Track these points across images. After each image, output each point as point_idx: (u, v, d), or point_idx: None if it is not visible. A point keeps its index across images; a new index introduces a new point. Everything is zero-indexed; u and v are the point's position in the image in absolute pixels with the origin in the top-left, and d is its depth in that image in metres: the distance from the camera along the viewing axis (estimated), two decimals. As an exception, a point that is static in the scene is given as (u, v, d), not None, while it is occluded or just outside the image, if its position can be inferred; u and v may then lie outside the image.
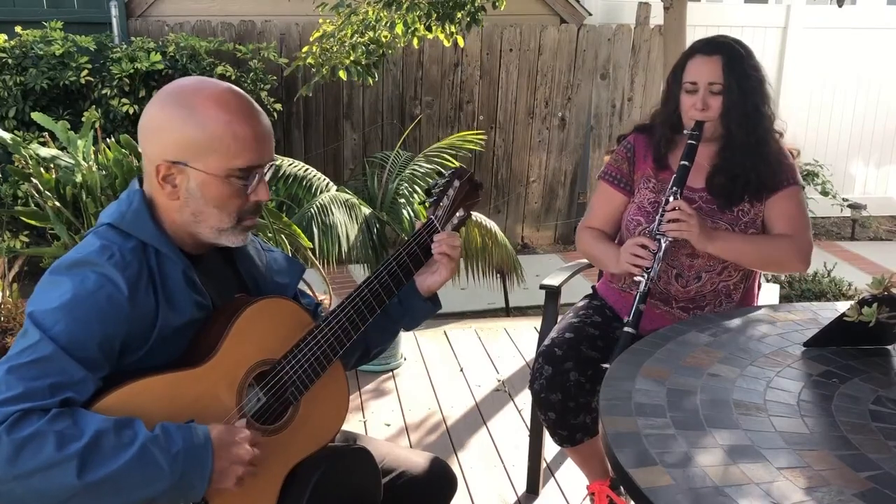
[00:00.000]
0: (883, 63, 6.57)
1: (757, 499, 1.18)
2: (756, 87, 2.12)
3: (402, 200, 3.68)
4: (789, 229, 2.13)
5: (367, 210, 3.49)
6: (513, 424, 3.10)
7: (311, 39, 3.85)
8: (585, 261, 2.56)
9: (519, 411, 3.20)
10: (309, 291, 2.83)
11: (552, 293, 2.51)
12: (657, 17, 5.46)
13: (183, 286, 1.34)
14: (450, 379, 3.51)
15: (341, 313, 1.47)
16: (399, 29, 3.57)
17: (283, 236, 3.08)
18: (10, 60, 4.42)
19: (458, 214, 1.65)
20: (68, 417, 1.16)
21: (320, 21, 3.82)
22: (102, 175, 2.93)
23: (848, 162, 6.76)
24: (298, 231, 3.11)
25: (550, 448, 2.66)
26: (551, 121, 5.87)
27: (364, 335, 1.52)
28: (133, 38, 4.92)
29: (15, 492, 1.13)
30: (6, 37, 4.48)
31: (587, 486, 2.37)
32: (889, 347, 1.72)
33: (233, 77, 4.65)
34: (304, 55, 3.82)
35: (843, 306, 1.73)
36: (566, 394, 2.07)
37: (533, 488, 2.64)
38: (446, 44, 3.80)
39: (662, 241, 2.04)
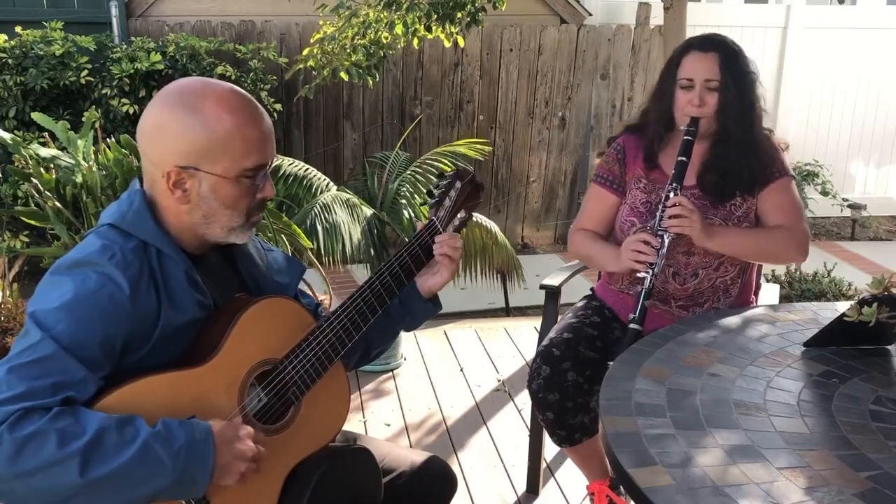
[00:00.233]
0: (883, 63, 6.57)
1: (757, 499, 1.18)
2: (751, 85, 2.15)
3: (403, 201, 3.68)
4: (784, 220, 2.15)
5: (368, 210, 3.49)
6: (513, 424, 3.10)
7: (311, 41, 3.85)
8: (586, 261, 2.56)
9: (519, 411, 3.20)
10: (309, 291, 2.83)
11: (552, 293, 2.51)
12: (657, 17, 5.46)
13: (185, 286, 1.34)
14: (450, 379, 3.51)
15: (343, 313, 1.47)
16: (399, 29, 3.57)
17: (283, 236, 3.08)
18: (10, 60, 4.42)
19: (459, 216, 1.66)
20: (70, 416, 1.16)
21: (321, 22, 3.82)
22: (102, 175, 2.93)
23: (848, 162, 6.76)
24: (298, 231, 3.11)
25: (550, 448, 2.66)
26: (551, 121, 5.87)
27: (365, 335, 1.52)
28: (133, 38, 4.92)
29: (17, 490, 1.13)
30: (6, 37, 4.48)
31: (587, 486, 2.37)
32: (889, 347, 1.72)
33: (233, 77, 4.65)
34: (304, 57, 3.82)
35: (843, 306, 1.73)
36: (564, 394, 2.07)
37: (533, 488, 2.64)
38: (447, 44, 3.80)
39: (665, 236, 2.04)
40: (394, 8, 3.49)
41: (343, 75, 3.71)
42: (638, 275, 2.07)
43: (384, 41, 3.68)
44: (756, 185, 2.15)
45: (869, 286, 1.63)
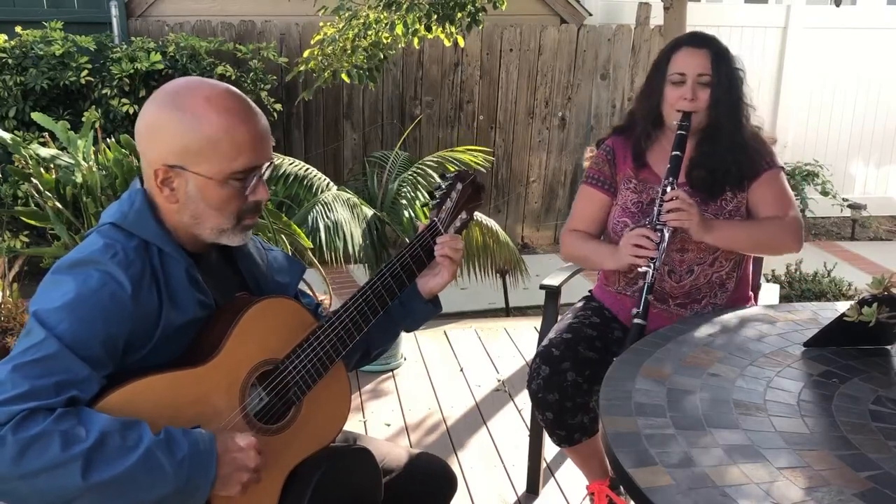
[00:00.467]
0: (883, 63, 6.57)
1: (757, 499, 1.18)
2: (740, 82, 2.18)
3: (403, 201, 3.68)
4: (776, 211, 2.16)
5: (368, 211, 3.49)
6: (513, 424, 3.11)
7: (311, 42, 3.85)
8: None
9: (519, 411, 3.20)
10: (309, 292, 2.83)
11: (552, 293, 2.51)
12: (657, 17, 5.46)
13: (186, 285, 1.34)
14: (450, 379, 3.51)
15: (344, 314, 1.47)
16: (399, 30, 3.57)
17: (282, 236, 3.08)
18: (10, 60, 4.42)
19: (461, 217, 1.66)
20: (74, 417, 1.15)
21: (321, 24, 3.82)
22: (102, 175, 2.93)
23: (848, 162, 6.76)
24: (298, 231, 3.11)
25: (550, 448, 2.66)
26: (551, 121, 5.87)
27: (365, 336, 1.52)
28: (133, 38, 4.92)
29: (19, 491, 1.13)
30: (6, 37, 4.48)
31: (587, 486, 2.37)
32: (889, 347, 1.72)
33: (233, 77, 4.65)
34: (305, 59, 3.81)
35: (843, 306, 1.73)
36: (563, 394, 2.07)
37: (533, 488, 2.64)
38: (447, 44, 3.80)
39: (665, 231, 2.04)
40: (394, 8, 3.49)
41: (344, 77, 3.71)
42: (639, 269, 2.06)
43: (384, 42, 3.68)
44: (745, 179, 2.17)
45: (869, 286, 1.63)
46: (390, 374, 3.54)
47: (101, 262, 1.26)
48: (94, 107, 4.40)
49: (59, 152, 3.02)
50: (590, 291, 2.44)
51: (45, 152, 2.99)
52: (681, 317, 2.18)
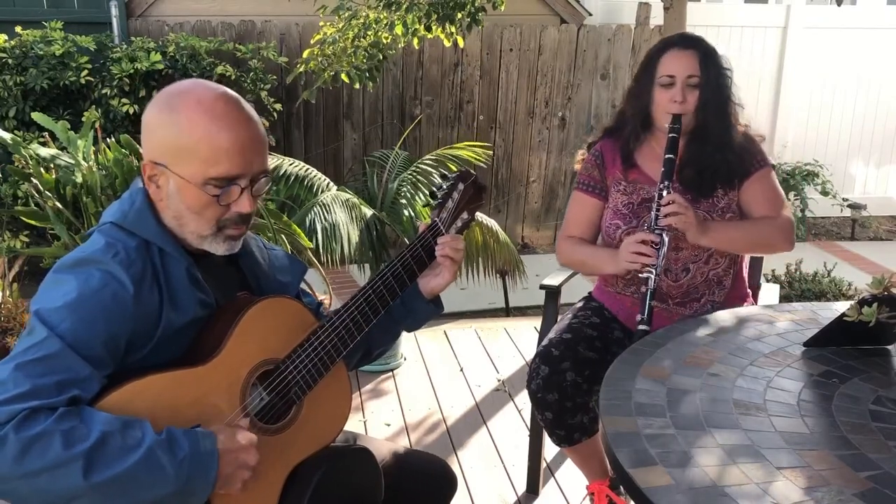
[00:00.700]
0: (883, 63, 6.58)
1: (757, 499, 1.18)
2: (729, 82, 2.19)
3: (403, 201, 3.68)
4: (768, 210, 2.18)
5: (368, 211, 3.49)
6: (513, 424, 3.11)
7: (311, 42, 3.85)
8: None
9: (519, 411, 3.20)
10: (309, 292, 2.83)
11: (552, 293, 2.51)
12: (657, 17, 5.46)
13: (186, 284, 1.34)
14: (450, 379, 3.51)
15: (345, 314, 1.47)
16: (399, 30, 3.57)
17: (282, 236, 3.08)
18: (10, 60, 4.42)
19: (462, 217, 1.66)
20: (75, 417, 1.15)
21: (321, 24, 3.82)
22: (102, 175, 2.93)
23: (848, 162, 6.76)
24: (298, 231, 3.11)
25: (550, 448, 2.66)
26: (551, 121, 5.87)
27: (366, 336, 1.52)
28: (133, 38, 4.92)
29: (20, 490, 1.13)
30: (6, 37, 4.48)
31: (587, 486, 2.37)
32: (889, 347, 1.72)
33: (233, 77, 4.65)
34: (305, 59, 3.81)
35: (843, 306, 1.73)
36: (563, 394, 2.08)
37: (533, 488, 2.64)
38: (447, 44, 3.80)
39: (664, 235, 2.05)
40: (394, 8, 3.48)
41: (344, 77, 3.71)
42: (640, 275, 2.07)
43: (384, 42, 3.68)
44: (735, 176, 2.18)
45: (869, 286, 1.63)
46: (390, 374, 3.54)
47: (103, 262, 1.27)
48: (94, 107, 4.40)
49: (59, 152, 3.02)
50: (589, 293, 2.44)
51: (45, 152, 2.99)
52: (681, 315, 2.18)
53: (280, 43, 5.29)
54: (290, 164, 3.67)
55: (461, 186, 1.65)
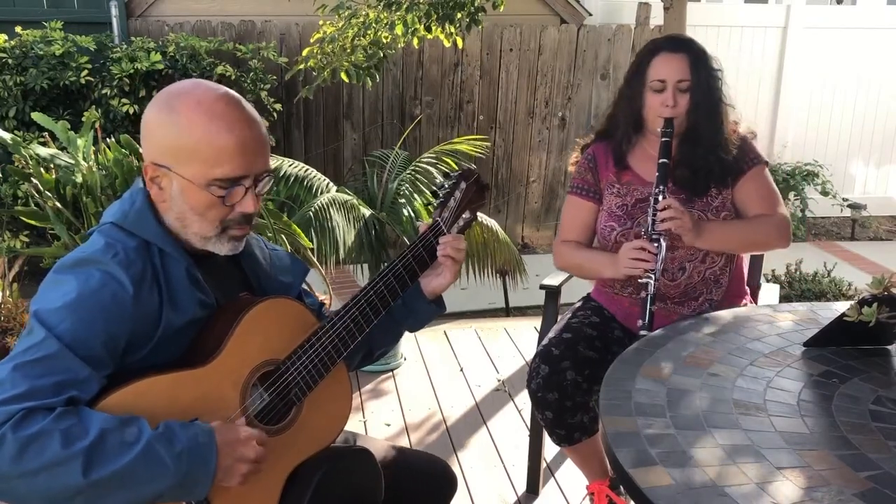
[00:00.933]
0: (883, 63, 6.58)
1: (757, 499, 1.18)
2: (719, 83, 2.20)
3: (403, 201, 3.68)
4: (764, 208, 2.19)
5: (367, 211, 3.49)
6: (513, 424, 3.11)
7: (311, 41, 3.86)
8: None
9: (519, 411, 3.20)
10: (311, 292, 2.83)
11: (552, 293, 2.51)
12: (657, 17, 5.46)
13: (186, 284, 1.34)
14: (450, 379, 3.51)
15: (346, 315, 1.47)
16: (399, 30, 3.57)
17: (283, 236, 3.08)
18: (10, 60, 4.42)
19: (464, 216, 1.64)
20: (73, 416, 1.16)
21: (321, 23, 3.83)
22: (102, 175, 2.93)
23: (848, 162, 6.77)
24: (299, 231, 3.11)
25: (550, 448, 2.66)
26: (551, 121, 5.87)
27: (368, 336, 1.52)
28: (133, 38, 4.92)
29: (19, 490, 1.13)
30: (6, 37, 4.48)
31: (587, 486, 2.37)
32: (889, 347, 1.72)
33: (233, 77, 4.65)
34: (304, 58, 3.82)
35: (843, 306, 1.73)
36: (563, 393, 2.08)
37: (533, 488, 2.64)
38: (446, 44, 3.80)
39: (662, 240, 2.05)
40: (394, 8, 3.48)
41: (343, 76, 3.71)
42: (640, 281, 2.08)
43: (384, 41, 3.68)
44: (729, 176, 2.19)
45: (869, 286, 1.63)
46: (390, 374, 3.54)
47: (103, 262, 1.26)
48: (94, 107, 4.40)
49: (59, 152, 3.02)
50: (588, 294, 2.45)
51: (45, 152, 2.99)
52: (679, 315, 2.19)
53: (280, 43, 5.29)
54: (290, 165, 3.67)
55: (463, 185, 1.64)
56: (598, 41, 5.79)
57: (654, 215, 2.07)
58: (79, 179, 2.90)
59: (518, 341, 3.89)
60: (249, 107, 1.37)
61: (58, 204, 2.85)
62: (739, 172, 2.19)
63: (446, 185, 1.64)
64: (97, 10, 5.17)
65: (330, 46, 3.69)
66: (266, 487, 1.38)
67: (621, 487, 2.24)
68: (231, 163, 1.31)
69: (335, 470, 1.44)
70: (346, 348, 1.47)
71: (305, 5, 4.17)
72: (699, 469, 1.26)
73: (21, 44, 4.49)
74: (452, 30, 3.64)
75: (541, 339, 2.33)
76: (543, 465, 2.66)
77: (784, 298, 3.78)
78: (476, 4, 3.56)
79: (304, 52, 3.84)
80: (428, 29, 3.57)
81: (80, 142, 3.03)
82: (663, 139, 2.11)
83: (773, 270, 4.14)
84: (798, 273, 4.10)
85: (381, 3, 3.51)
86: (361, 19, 3.62)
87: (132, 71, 4.44)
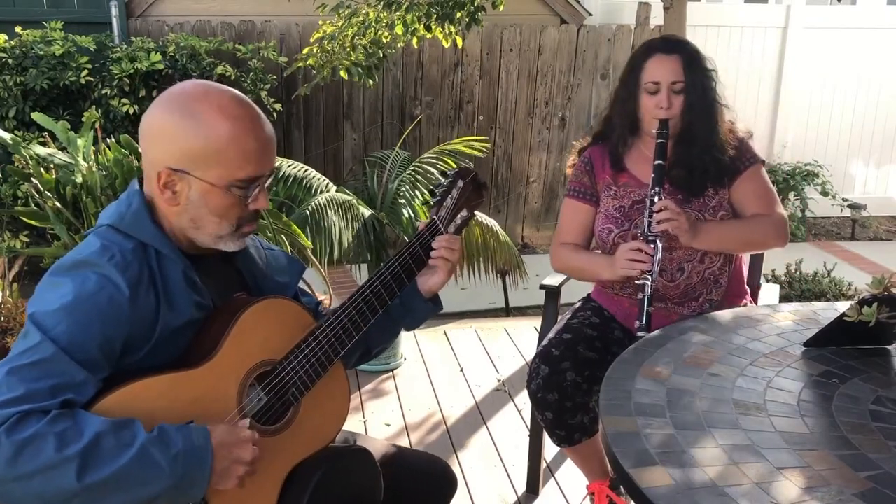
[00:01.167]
0: (883, 63, 6.58)
1: (757, 499, 1.18)
2: (714, 83, 2.20)
3: (403, 201, 3.68)
4: (761, 208, 2.19)
5: (366, 211, 3.49)
6: (513, 424, 3.10)
7: (311, 40, 3.86)
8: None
9: (519, 411, 3.20)
10: (308, 291, 2.82)
11: (552, 293, 2.51)
12: (657, 17, 5.46)
13: (183, 286, 1.34)
14: (450, 379, 3.51)
15: (343, 314, 1.47)
16: (399, 29, 3.57)
17: (282, 236, 3.08)
18: (10, 60, 4.42)
19: (461, 215, 1.65)
20: (68, 419, 1.15)
21: (320, 22, 3.83)
22: (102, 175, 2.93)
23: (848, 162, 6.76)
24: (298, 231, 3.11)
25: (550, 448, 2.66)
26: (551, 121, 5.87)
27: (365, 335, 1.52)
28: (133, 38, 4.92)
29: (14, 493, 1.13)
30: (6, 37, 4.48)
31: (587, 486, 2.37)
32: (889, 347, 1.72)
33: (233, 77, 4.65)
34: (304, 56, 3.82)
35: (843, 306, 1.73)
36: (563, 394, 2.08)
37: (533, 488, 2.64)
38: (445, 44, 3.80)
39: (658, 241, 2.06)
40: (393, 8, 3.48)
41: (343, 74, 3.71)
42: (637, 282, 2.08)
43: (384, 41, 3.68)
44: (725, 176, 2.19)
45: (869, 286, 1.63)
46: (390, 374, 3.54)
47: (99, 265, 1.26)
48: (94, 107, 4.40)
49: (59, 152, 3.02)
50: (588, 294, 2.45)
51: (45, 152, 2.99)
52: (680, 315, 2.19)
53: (280, 43, 5.29)
54: (289, 166, 3.67)
55: (460, 184, 1.64)
56: (598, 41, 5.79)
57: (651, 216, 2.07)
58: (79, 179, 2.90)
59: (518, 341, 3.89)
60: (256, 105, 1.38)
61: (58, 204, 2.85)
62: (736, 172, 2.19)
63: (443, 184, 1.64)
64: (97, 10, 5.17)
65: (330, 45, 3.69)
66: (265, 487, 1.38)
67: (621, 487, 2.24)
68: (253, 164, 1.33)
69: (334, 470, 1.44)
70: (344, 347, 1.46)
71: (305, 5, 4.17)
72: (699, 469, 1.26)
73: (21, 44, 4.49)
74: (452, 29, 3.64)
75: (541, 339, 2.33)
76: (543, 465, 2.66)
77: (784, 298, 3.78)
78: (476, 4, 3.55)
79: (304, 51, 3.84)
80: (427, 28, 3.57)
81: (80, 142, 3.03)
82: (658, 140, 2.12)
83: (773, 270, 4.14)
84: (798, 273, 4.10)
85: (381, 3, 3.51)
86: (361, 19, 3.62)
87: (132, 71, 4.44)
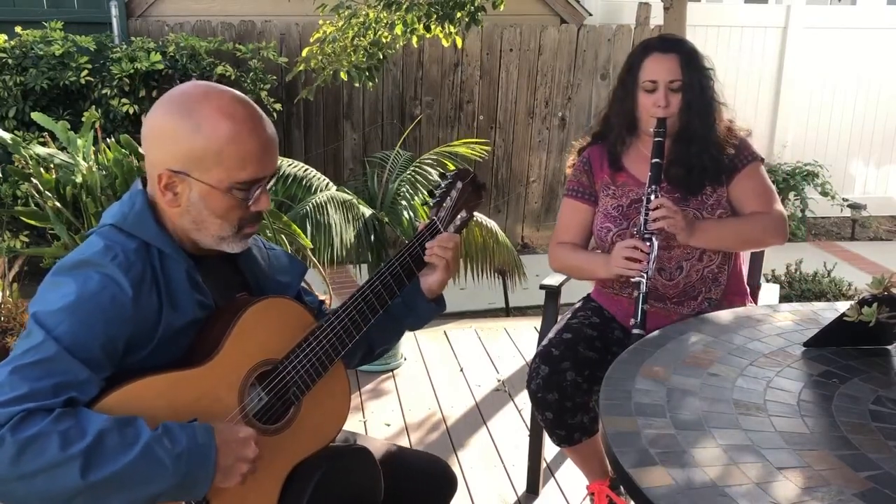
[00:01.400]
0: (883, 63, 6.58)
1: (757, 499, 1.18)
2: (711, 82, 2.20)
3: (403, 201, 3.68)
4: (759, 205, 2.19)
5: (367, 211, 3.49)
6: (513, 424, 3.11)
7: (311, 41, 3.86)
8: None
9: (519, 411, 3.20)
10: (311, 291, 2.82)
11: (552, 293, 2.51)
12: (657, 17, 5.46)
13: (186, 286, 1.34)
14: (450, 379, 3.51)
15: (343, 313, 1.47)
16: (398, 29, 3.57)
17: (282, 236, 3.08)
18: (10, 60, 4.42)
19: (460, 215, 1.66)
20: (72, 417, 1.16)
21: (320, 22, 3.83)
22: (102, 175, 2.93)
23: (848, 162, 6.76)
24: (298, 231, 3.11)
25: (550, 448, 2.66)
26: (551, 121, 5.87)
27: (367, 335, 1.52)
28: (133, 38, 4.92)
29: (18, 492, 1.13)
30: (6, 37, 4.48)
31: (587, 486, 2.37)
32: (889, 347, 1.72)
33: (233, 77, 4.65)
34: (304, 58, 3.81)
35: (843, 306, 1.73)
36: (563, 393, 2.08)
37: (533, 488, 2.64)
38: (445, 44, 3.80)
39: (654, 239, 2.06)
40: (393, 8, 3.49)
41: (343, 76, 3.71)
42: (632, 280, 2.08)
43: (384, 41, 3.68)
44: (723, 172, 2.19)
45: (869, 286, 1.63)
46: (390, 374, 3.54)
47: (102, 264, 1.26)
48: (94, 107, 4.39)
49: (59, 152, 3.02)
50: (588, 294, 2.45)
51: (45, 152, 2.99)
52: (679, 315, 2.19)
53: (280, 43, 5.29)
54: (289, 165, 3.67)
55: (459, 185, 1.66)
56: (598, 41, 5.79)
57: (647, 214, 2.07)
58: (79, 179, 2.90)
59: (518, 341, 3.89)
60: (257, 106, 1.38)
61: (58, 204, 2.85)
62: (734, 170, 2.19)
63: (442, 185, 1.65)
64: (97, 10, 5.17)
65: (330, 47, 3.69)
66: (265, 486, 1.38)
67: (621, 487, 2.24)
68: (254, 166, 1.32)
69: (334, 469, 1.44)
70: (344, 347, 1.47)
71: (305, 5, 4.17)
72: (699, 469, 1.26)
73: (21, 44, 4.49)
74: (452, 29, 3.64)
75: (541, 339, 2.33)
76: (543, 465, 2.66)
77: (784, 298, 3.77)
78: (476, 4, 3.56)
79: (304, 53, 3.83)
80: (427, 28, 3.57)
81: (80, 142, 3.03)
82: (656, 139, 2.12)
83: (772, 270, 4.14)
84: (798, 273, 4.10)
85: (381, 3, 3.51)
86: (361, 19, 3.62)
87: (132, 71, 4.44)
